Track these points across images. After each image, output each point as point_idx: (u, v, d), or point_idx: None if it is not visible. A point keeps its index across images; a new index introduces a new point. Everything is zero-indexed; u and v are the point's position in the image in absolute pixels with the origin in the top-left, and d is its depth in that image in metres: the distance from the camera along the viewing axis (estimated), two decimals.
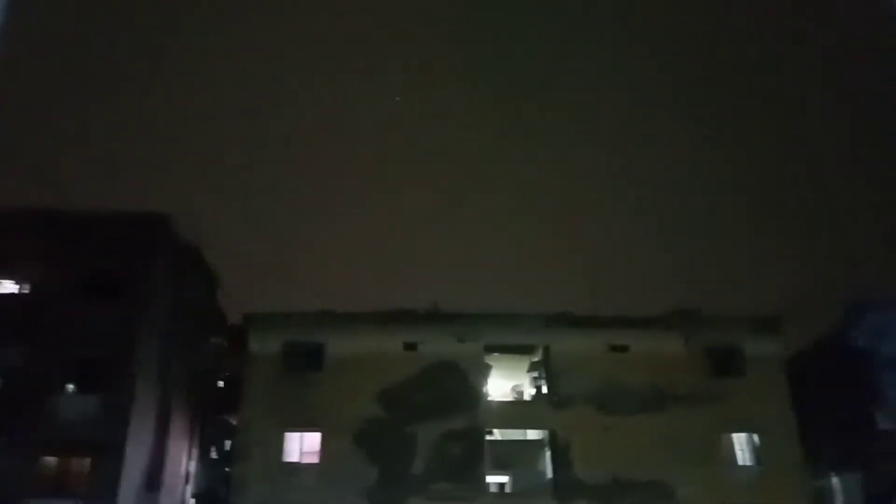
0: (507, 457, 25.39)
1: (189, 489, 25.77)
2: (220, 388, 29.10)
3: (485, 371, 25.42)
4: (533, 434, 26.13)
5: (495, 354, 26.00)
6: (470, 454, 23.71)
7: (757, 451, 24.21)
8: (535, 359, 26.41)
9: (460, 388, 24.59)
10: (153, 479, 23.04)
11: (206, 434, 27.63)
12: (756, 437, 24.32)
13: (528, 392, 27.37)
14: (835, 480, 27.29)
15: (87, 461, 21.43)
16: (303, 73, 70.89)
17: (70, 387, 22.60)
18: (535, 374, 26.64)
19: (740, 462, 24.51)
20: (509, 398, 27.40)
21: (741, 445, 24.80)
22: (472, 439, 23.93)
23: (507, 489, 25.43)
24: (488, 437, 24.71)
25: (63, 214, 23.90)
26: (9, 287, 23.99)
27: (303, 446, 23.87)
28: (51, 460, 21.62)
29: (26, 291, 23.90)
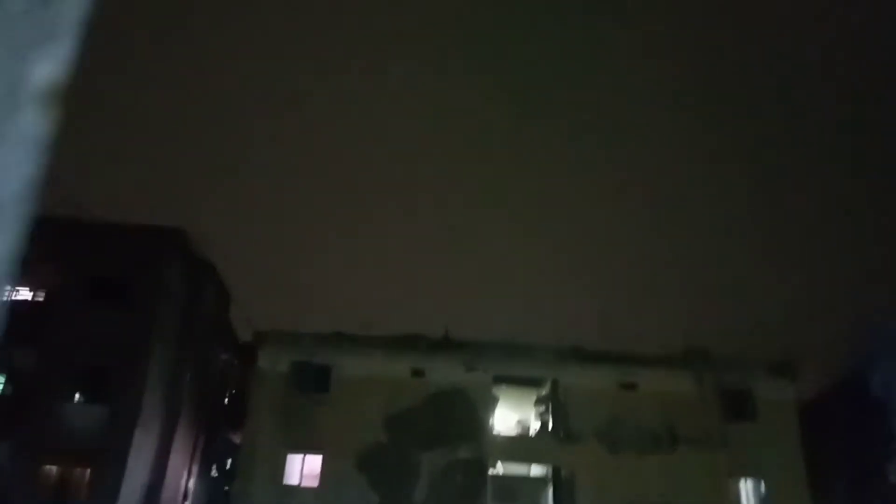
0: (510, 492, 25.04)
1: None
2: (226, 404, 29.02)
3: (492, 402, 25.21)
4: (536, 470, 25.80)
5: (503, 385, 25.77)
6: (472, 486, 23.44)
7: (763, 499, 23.73)
8: (543, 392, 26.16)
9: (466, 417, 24.38)
10: (153, 494, 22.94)
11: (208, 450, 27.51)
12: (763, 485, 23.86)
13: (534, 426, 27.08)
14: None
15: (88, 471, 21.41)
16: (323, 94, 71.56)
17: (77, 395, 22.68)
18: (542, 409, 26.37)
19: None
20: (514, 431, 27.12)
21: (749, 492, 24.35)
22: (475, 471, 23.67)
23: None
24: (491, 471, 24.42)
25: (80, 223, 24.14)
26: (23, 293, 24.17)
27: (304, 468, 23.67)
28: (53, 468, 21.63)
29: (40, 298, 24.10)
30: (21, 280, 24.09)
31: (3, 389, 23.32)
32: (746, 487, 24.38)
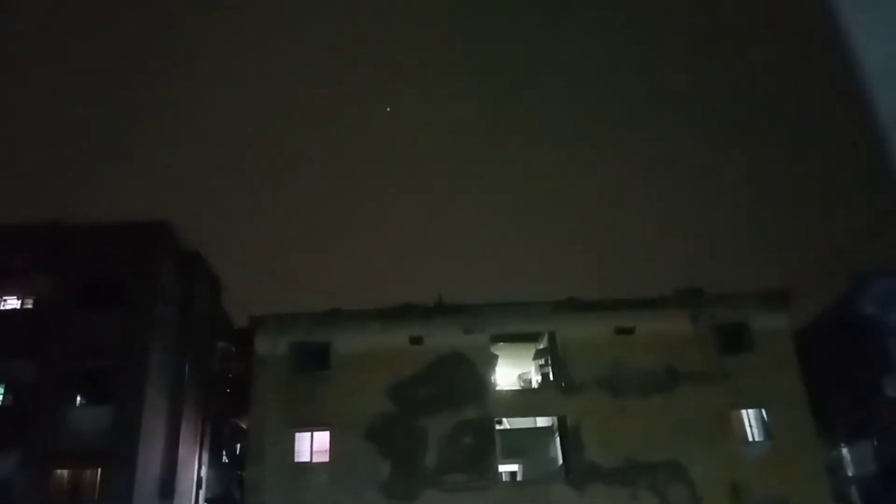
0: (518, 445, 25.42)
1: (202, 494, 25.85)
2: (229, 392, 29.14)
3: (492, 361, 25.41)
4: (542, 421, 26.15)
5: (501, 344, 25.97)
6: (481, 444, 23.73)
7: (767, 426, 24.14)
8: (541, 346, 26.39)
9: (468, 379, 24.58)
10: (167, 487, 23.13)
11: (216, 438, 27.70)
12: (765, 413, 24.24)
13: (535, 379, 27.37)
14: (846, 451, 27.30)
15: (99, 472, 21.54)
16: (301, 73, 70.76)
17: (80, 399, 22.72)
18: (542, 361, 26.62)
19: (751, 438, 24.47)
20: (516, 386, 27.41)
21: (752, 421, 24.76)
22: (483, 429, 23.94)
23: (519, 477, 25.48)
24: (498, 427, 24.72)
25: (63, 227, 23.99)
26: (12, 303, 24.10)
27: (313, 445, 23.88)
28: (64, 473, 21.74)
29: (30, 306, 24.03)
30: (11, 289, 24.01)
31: (4, 399, 23.36)
32: (749, 417, 24.79)
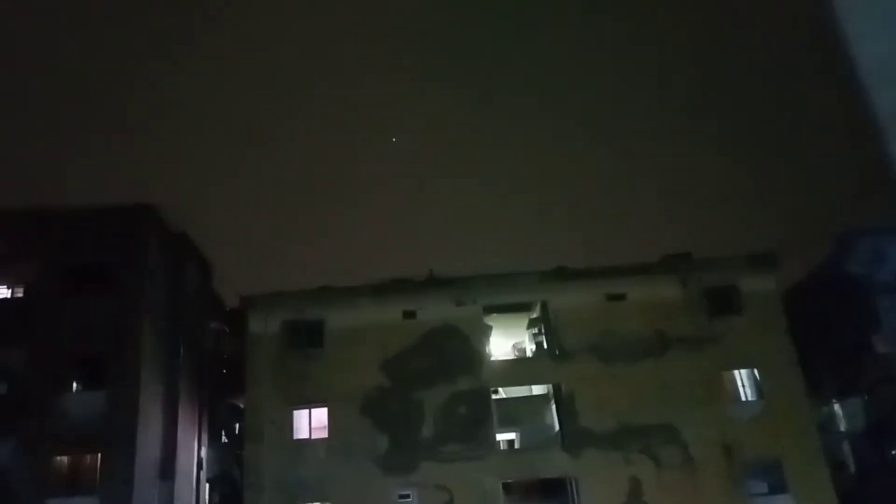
0: (514, 414, 25.69)
1: (203, 474, 26.04)
2: (224, 372, 29.24)
3: (485, 332, 25.57)
4: (538, 390, 26.41)
5: (494, 315, 26.11)
6: (477, 414, 23.96)
7: (759, 386, 24.46)
8: (534, 315, 26.55)
9: (462, 350, 24.74)
10: (167, 468, 23.28)
11: (214, 418, 27.84)
12: (756, 373, 24.55)
13: (529, 349, 27.57)
14: (837, 407, 27.73)
15: (99, 457, 21.63)
16: (286, 54, 70.00)
17: (75, 384, 22.74)
18: (535, 331, 26.80)
19: (743, 398, 24.81)
20: (511, 356, 27.61)
21: (743, 381, 25.08)
22: (479, 400, 24.17)
23: (517, 445, 25.78)
24: (494, 397, 24.95)
25: (49, 213, 23.83)
26: (2, 292, 23.98)
27: (311, 422, 24.05)
28: (64, 458, 21.84)
29: (20, 294, 23.92)
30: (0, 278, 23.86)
31: None
32: (741, 378, 25.11)
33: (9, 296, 23.91)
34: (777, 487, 22.94)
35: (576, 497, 23.05)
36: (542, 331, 26.11)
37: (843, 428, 27.41)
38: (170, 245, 25.84)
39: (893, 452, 24.43)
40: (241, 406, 26.67)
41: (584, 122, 69.87)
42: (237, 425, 29.39)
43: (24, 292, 23.86)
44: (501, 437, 25.32)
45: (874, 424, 25.49)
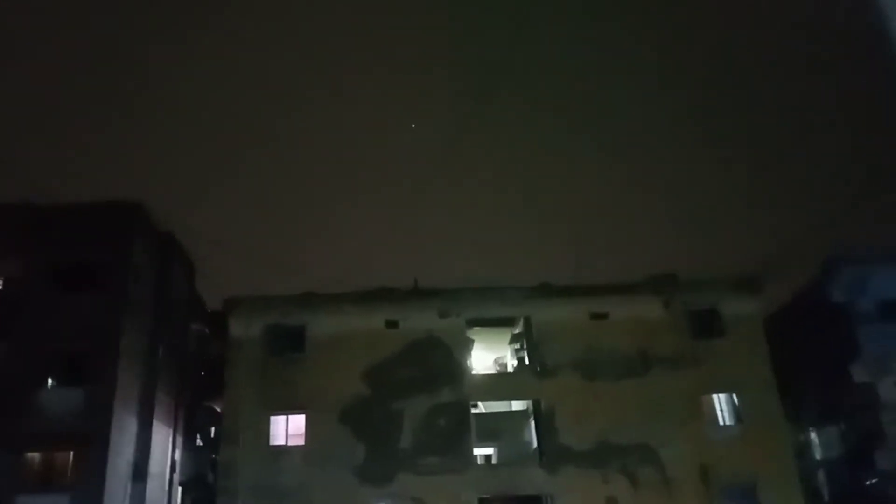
0: (493, 428, 25.64)
1: (177, 477, 25.75)
2: (203, 374, 28.98)
3: (468, 345, 25.51)
4: (518, 405, 26.38)
5: (477, 328, 26.08)
6: (456, 427, 23.87)
7: (737, 410, 24.55)
8: (517, 330, 26.55)
9: (444, 362, 24.67)
10: (140, 469, 23.00)
11: (191, 421, 27.57)
12: (735, 397, 24.64)
13: (511, 364, 27.54)
14: (814, 434, 27.85)
15: (71, 455, 21.36)
16: (276, 55, 69.99)
17: (52, 381, 22.46)
18: (517, 346, 26.79)
19: (721, 421, 24.89)
20: (492, 370, 27.57)
21: (722, 405, 25.17)
22: (458, 413, 24.08)
23: (494, 460, 25.70)
24: (473, 411, 24.88)
25: (33, 207, 23.62)
26: None
27: (288, 429, 23.86)
28: (36, 455, 21.54)
29: (0, 287, 23.65)
30: None
31: None
32: (720, 401, 25.19)
33: None
34: None
35: None
36: (525, 346, 26.11)
37: (819, 456, 27.52)
38: (156, 244, 25.67)
39: (867, 482, 24.51)
40: (219, 410, 26.43)
41: (574, 141, 70.27)
42: (213, 429, 29.11)
43: (6, 286, 23.60)
44: (479, 451, 25.23)
45: (849, 453, 25.61)
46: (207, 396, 28.31)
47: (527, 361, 25.76)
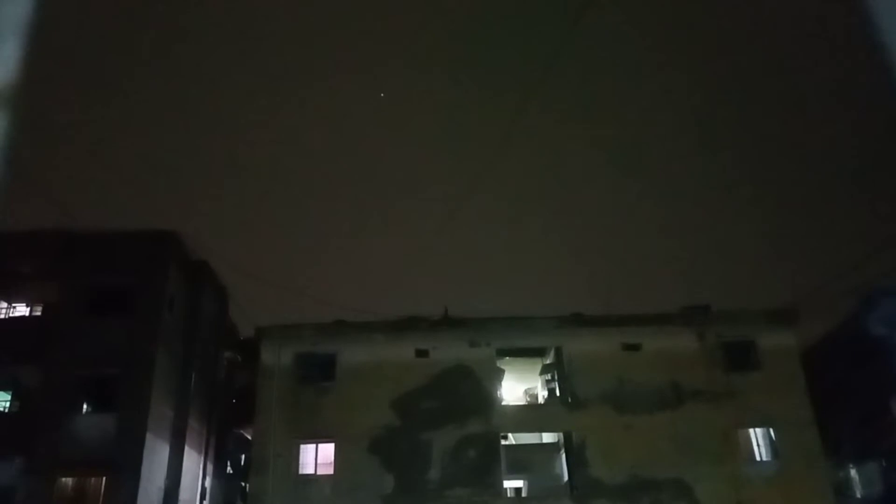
0: (523, 461, 25.30)
1: None
2: (234, 402, 29.13)
3: (498, 375, 25.34)
4: (548, 437, 26.04)
5: (507, 358, 25.91)
6: (486, 459, 23.63)
7: (774, 446, 23.98)
8: (548, 361, 26.32)
9: (474, 393, 24.51)
10: (170, 496, 23.10)
11: (221, 448, 27.68)
12: (772, 432, 24.08)
13: (542, 395, 27.27)
14: (853, 471, 27.08)
15: (103, 481, 21.52)
16: (311, 84, 71.10)
17: (85, 406, 22.75)
18: (548, 377, 26.53)
19: (758, 457, 24.31)
20: (522, 401, 27.31)
21: (758, 440, 24.60)
22: (488, 444, 23.86)
23: (524, 493, 25.35)
24: (503, 442, 24.62)
25: (71, 234, 24.08)
26: (21, 310, 24.19)
27: (318, 458, 23.83)
28: (68, 481, 21.74)
29: (38, 313, 24.11)
30: (19, 296, 24.10)
31: (10, 406, 23.42)
32: (756, 436, 24.62)
33: (27, 314, 24.10)
34: None
35: None
36: (556, 377, 25.84)
37: (859, 493, 26.72)
38: (190, 272, 26.01)
39: None
40: (249, 437, 26.50)
41: (608, 172, 70.06)
42: (243, 456, 29.18)
43: (43, 311, 24.06)
44: (509, 483, 24.91)
45: (890, 490, 24.84)
46: (238, 424, 28.43)
47: (558, 393, 25.48)
